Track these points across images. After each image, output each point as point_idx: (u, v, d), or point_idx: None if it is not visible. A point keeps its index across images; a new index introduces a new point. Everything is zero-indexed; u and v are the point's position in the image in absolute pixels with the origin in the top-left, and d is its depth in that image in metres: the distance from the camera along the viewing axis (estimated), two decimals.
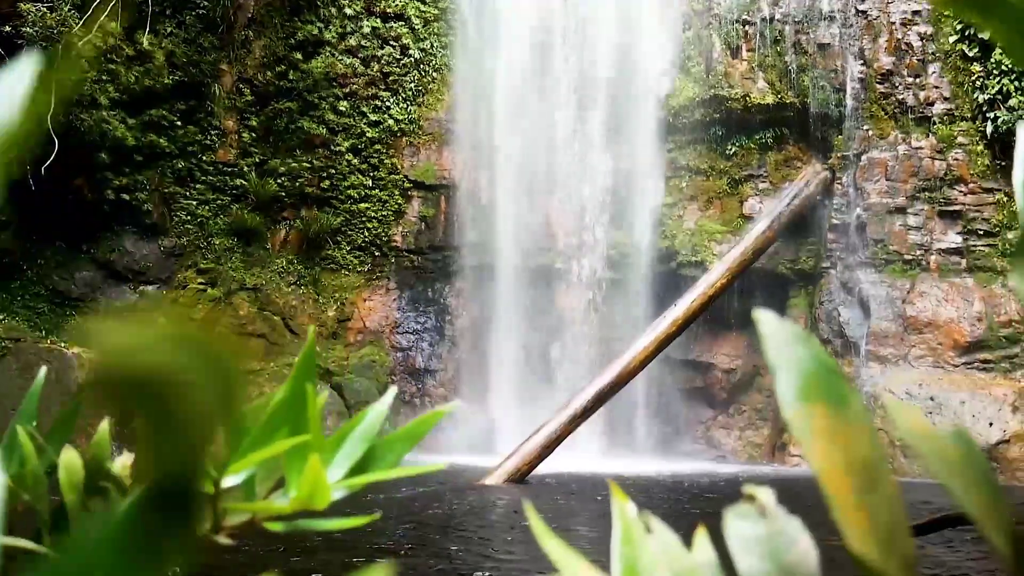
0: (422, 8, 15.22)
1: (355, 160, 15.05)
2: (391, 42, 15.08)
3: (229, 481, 0.52)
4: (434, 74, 15.19)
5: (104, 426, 0.71)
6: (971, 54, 13.01)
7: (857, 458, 0.36)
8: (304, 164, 14.96)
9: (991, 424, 11.77)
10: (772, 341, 0.39)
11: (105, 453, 0.68)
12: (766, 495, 0.39)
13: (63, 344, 12.29)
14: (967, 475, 0.39)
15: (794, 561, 0.37)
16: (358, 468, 0.57)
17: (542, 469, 10.41)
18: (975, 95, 13.00)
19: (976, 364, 12.58)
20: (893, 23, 13.51)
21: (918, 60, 13.41)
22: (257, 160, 14.99)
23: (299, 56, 14.75)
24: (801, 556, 0.37)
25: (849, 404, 0.37)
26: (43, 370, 0.89)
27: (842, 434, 0.36)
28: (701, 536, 0.43)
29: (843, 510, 0.35)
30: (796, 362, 0.38)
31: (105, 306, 14.12)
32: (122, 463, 0.64)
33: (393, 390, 0.72)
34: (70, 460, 0.66)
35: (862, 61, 13.62)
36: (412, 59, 15.10)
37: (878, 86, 13.53)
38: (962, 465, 0.39)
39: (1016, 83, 12.58)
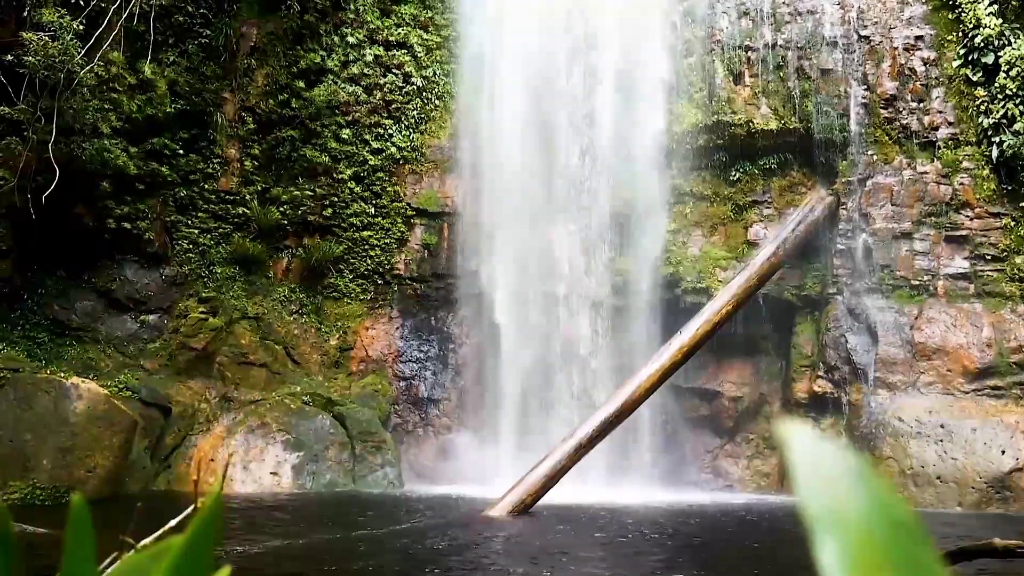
0: (425, 36, 15.23)
1: (358, 188, 14.99)
2: (394, 70, 15.07)
3: None
4: (437, 102, 15.17)
5: None
6: (975, 79, 12.94)
7: None
8: (306, 192, 14.90)
9: (1003, 452, 11.54)
10: (808, 475, 0.23)
11: None
12: None
13: (62, 374, 12.14)
14: None
15: None
16: None
17: (546, 500, 10.21)
18: (980, 119, 12.92)
19: (986, 391, 12.37)
20: (896, 48, 13.47)
21: (922, 85, 13.35)
22: (259, 188, 14.93)
23: (302, 84, 14.74)
24: None
25: None
26: None
27: None
28: None
29: None
30: (850, 512, 0.22)
31: (105, 336, 14.00)
32: None
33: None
34: None
35: (865, 86, 13.56)
36: (415, 87, 15.09)
37: (882, 111, 13.46)
38: None
39: (1021, 107, 12.49)
